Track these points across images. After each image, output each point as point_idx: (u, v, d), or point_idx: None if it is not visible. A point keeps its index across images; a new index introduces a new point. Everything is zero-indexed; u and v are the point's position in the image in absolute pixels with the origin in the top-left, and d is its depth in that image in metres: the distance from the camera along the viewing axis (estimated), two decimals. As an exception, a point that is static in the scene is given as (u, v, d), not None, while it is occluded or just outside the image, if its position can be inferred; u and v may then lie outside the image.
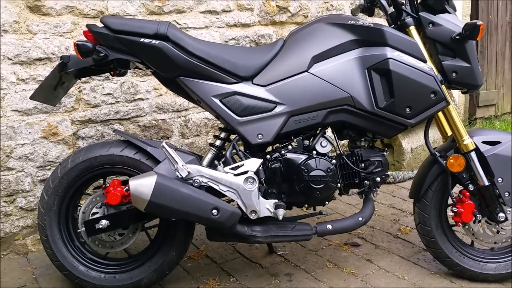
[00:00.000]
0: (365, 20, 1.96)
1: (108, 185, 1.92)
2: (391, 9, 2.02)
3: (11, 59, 2.29)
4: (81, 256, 2.01)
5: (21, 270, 2.29)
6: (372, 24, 1.90)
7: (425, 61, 1.89)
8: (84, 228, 1.91)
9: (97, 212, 1.93)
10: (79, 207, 2.00)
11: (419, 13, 1.94)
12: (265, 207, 1.87)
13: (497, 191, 1.98)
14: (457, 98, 4.25)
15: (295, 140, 1.96)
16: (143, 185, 1.72)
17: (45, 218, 1.95)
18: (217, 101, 1.88)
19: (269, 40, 3.04)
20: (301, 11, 3.16)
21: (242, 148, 2.00)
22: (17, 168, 2.37)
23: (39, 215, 1.97)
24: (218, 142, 2.00)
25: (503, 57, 4.96)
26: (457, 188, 2.06)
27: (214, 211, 1.77)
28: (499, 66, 4.93)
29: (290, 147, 1.95)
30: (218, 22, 2.85)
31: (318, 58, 1.90)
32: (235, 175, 1.85)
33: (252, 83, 1.91)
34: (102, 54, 1.79)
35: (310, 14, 3.21)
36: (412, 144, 3.52)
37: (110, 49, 1.82)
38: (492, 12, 4.73)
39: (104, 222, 1.87)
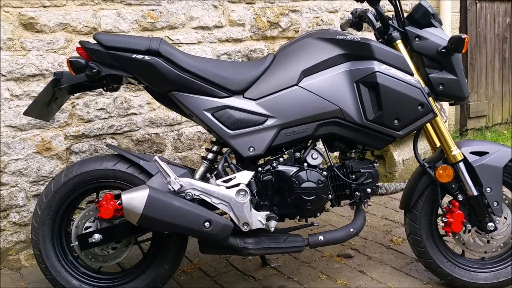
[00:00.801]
0: (353, 34, 2.00)
1: (101, 199, 1.92)
2: (378, 24, 2.07)
3: (5, 76, 2.31)
4: (74, 271, 2.01)
5: (15, 285, 2.29)
6: (359, 39, 1.94)
7: (412, 74, 1.93)
8: (77, 242, 1.91)
9: (90, 226, 1.94)
10: (72, 222, 2.00)
11: (406, 28, 1.99)
12: (257, 219, 1.88)
13: (486, 201, 2.00)
14: (447, 110, 4.30)
15: (286, 152, 1.98)
16: (135, 199, 1.73)
17: (39, 233, 1.96)
18: (208, 115, 1.91)
19: (260, 54, 3.09)
20: (292, 26, 3.22)
21: (234, 161, 2.02)
22: (11, 183, 2.38)
23: (32, 229, 1.98)
24: (210, 155, 2.02)
25: (493, 68, 5.03)
26: (447, 199, 2.08)
27: (207, 224, 1.78)
28: (489, 78, 5.00)
29: (281, 159, 1.97)
30: (210, 38, 2.89)
31: (308, 72, 1.94)
32: (227, 187, 1.87)
33: (243, 97, 1.94)
34: (95, 70, 1.82)
35: (301, 29, 3.26)
36: (404, 155, 3.55)
37: (102, 65, 1.84)
38: (480, 25, 4.81)
39: (97, 236, 1.87)
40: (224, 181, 1.88)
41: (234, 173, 1.92)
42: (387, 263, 2.39)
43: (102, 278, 2.04)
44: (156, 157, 1.82)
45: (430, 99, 1.94)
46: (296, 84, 1.93)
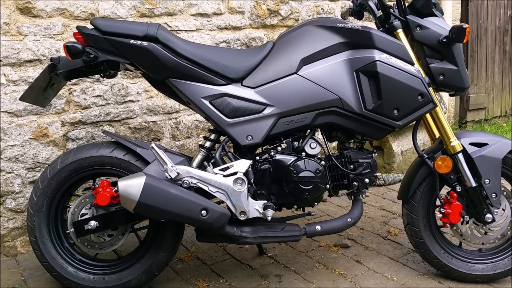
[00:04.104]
0: (353, 23, 1.98)
1: (97, 186, 1.92)
2: (379, 13, 2.05)
3: (1, 61, 2.28)
4: (70, 257, 2.00)
5: (10, 271, 2.28)
6: (360, 27, 1.92)
7: (412, 64, 1.91)
8: (73, 229, 1.91)
9: (86, 213, 1.93)
10: (68, 208, 2.00)
11: (407, 16, 1.96)
12: (254, 208, 1.88)
13: (484, 192, 2.00)
14: (447, 102, 4.29)
15: (284, 141, 1.97)
16: (132, 186, 1.72)
17: (34, 219, 1.95)
18: (206, 102, 1.89)
19: (260, 43, 3.06)
20: (292, 15, 3.18)
21: (232, 149, 2.00)
22: (7, 169, 2.37)
23: (28, 216, 1.97)
24: (207, 144, 2.01)
25: (493, 61, 5.00)
26: (445, 190, 2.07)
27: (203, 212, 1.77)
28: (489, 70, 4.98)
29: (279, 148, 1.96)
30: (209, 25, 2.86)
31: (307, 60, 1.92)
32: (224, 176, 1.86)
33: (242, 85, 1.92)
34: (92, 56, 1.80)
35: (301, 18, 3.23)
36: (402, 146, 3.54)
37: (100, 51, 1.82)
38: (482, 17, 4.78)
39: (93, 223, 1.87)
40: (222, 170, 1.87)
41: (231, 161, 1.91)
42: (384, 254, 2.39)
43: (98, 265, 2.03)
44: (153, 144, 1.81)
45: (430, 89, 1.92)
46: (295, 73, 1.91)
